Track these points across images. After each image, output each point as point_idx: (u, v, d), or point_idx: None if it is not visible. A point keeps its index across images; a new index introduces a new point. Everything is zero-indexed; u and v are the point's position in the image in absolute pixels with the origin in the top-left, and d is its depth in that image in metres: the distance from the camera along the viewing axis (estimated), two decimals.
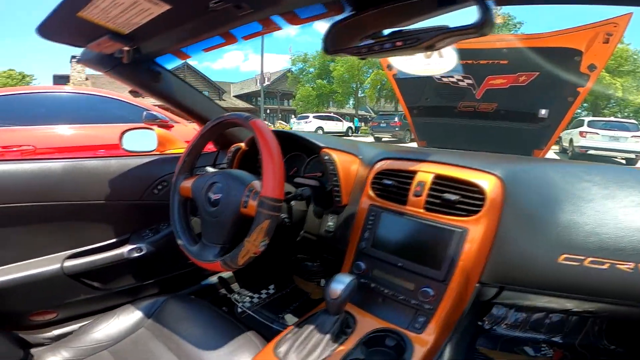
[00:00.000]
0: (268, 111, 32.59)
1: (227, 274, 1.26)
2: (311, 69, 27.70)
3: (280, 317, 1.15)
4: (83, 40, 0.72)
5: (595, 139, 8.91)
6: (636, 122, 10.41)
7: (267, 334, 0.72)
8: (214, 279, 1.24)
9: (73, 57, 32.31)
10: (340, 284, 0.59)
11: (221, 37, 0.71)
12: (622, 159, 8.96)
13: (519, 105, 1.78)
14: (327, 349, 0.60)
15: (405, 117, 15.25)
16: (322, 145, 0.88)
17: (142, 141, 1.06)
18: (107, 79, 32.41)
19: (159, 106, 2.71)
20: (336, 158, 0.84)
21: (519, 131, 1.84)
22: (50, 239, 0.92)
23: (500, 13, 24.25)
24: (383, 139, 13.71)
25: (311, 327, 0.63)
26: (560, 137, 13.37)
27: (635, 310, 0.58)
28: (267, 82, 25.97)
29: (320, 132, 17.14)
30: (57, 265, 0.91)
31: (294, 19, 0.59)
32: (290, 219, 0.83)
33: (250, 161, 1.03)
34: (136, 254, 0.99)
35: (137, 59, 0.79)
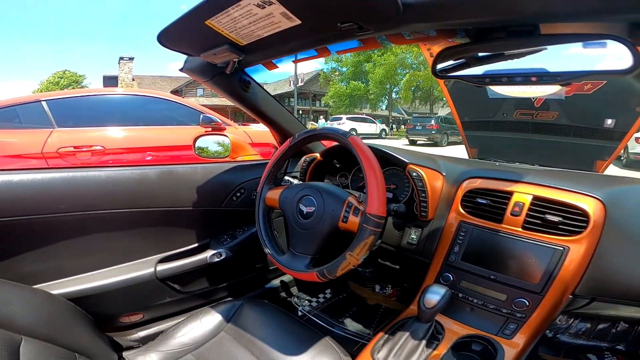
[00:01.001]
0: (300, 112, 33.00)
1: (288, 278, 1.30)
2: (344, 69, 27.60)
3: (340, 321, 1.17)
4: (199, 49, 0.72)
5: None
6: None
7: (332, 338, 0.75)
8: (276, 282, 1.28)
9: (121, 58, 34.55)
10: (436, 295, 0.62)
11: (316, 50, 0.72)
12: None
13: (584, 114, 1.68)
14: (422, 355, 0.64)
15: (442, 120, 14.71)
16: (407, 161, 0.90)
17: (216, 147, 1.12)
18: (150, 80, 34.09)
19: (205, 106, 2.86)
20: (424, 175, 0.86)
21: (582, 141, 1.74)
22: (143, 243, 0.98)
23: None
24: (418, 142, 13.40)
25: (405, 334, 0.66)
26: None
27: None
28: (300, 84, 26.25)
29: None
30: (151, 269, 0.97)
31: (399, 40, 0.60)
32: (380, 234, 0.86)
33: (323, 171, 1.05)
34: (217, 259, 1.04)
35: (236, 69, 0.82)
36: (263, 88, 1.03)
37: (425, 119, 14.83)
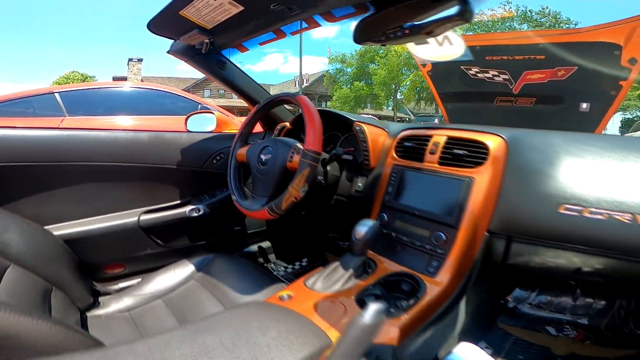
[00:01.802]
0: None
1: (266, 245, 1.39)
2: (348, 69, 27.70)
3: None
4: (178, 34, 0.91)
5: None
6: None
7: None
8: (254, 247, 1.38)
9: (130, 59, 35.06)
10: (364, 227, 0.69)
11: (274, 33, 0.87)
12: None
13: (559, 99, 1.77)
14: (348, 283, 0.70)
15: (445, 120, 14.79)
16: (354, 119, 1.01)
17: (204, 123, 1.26)
18: (159, 82, 34.56)
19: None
20: (366, 129, 0.97)
21: (559, 125, 1.83)
22: (132, 196, 1.09)
23: (509, 8, 22.63)
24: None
25: (337, 264, 0.73)
26: None
27: None
28: (305, 84, 26.42)
29: None
30: (135, 219, 1.07)
31: (330, 18, 0.73)
32: (325, 181, 0.95)
33: (294, 137, 1.18)
34: (195, 214, 1.15)
35: (210, 50, 0.97)
36: (237, 67, 1.15)
37: (428, 119, 14.89)
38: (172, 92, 2.80)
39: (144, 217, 1.09)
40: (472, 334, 0.77)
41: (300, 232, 1.36)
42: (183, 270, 0.95)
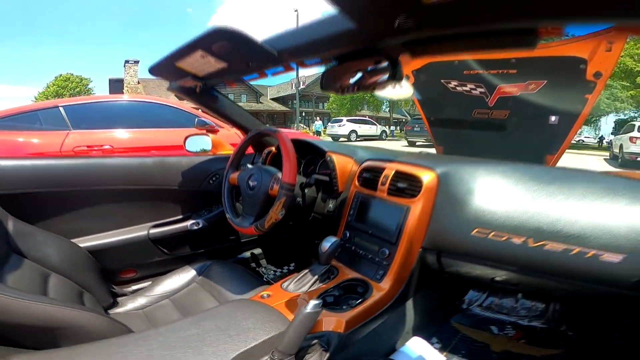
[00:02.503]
0: (303, 114, 33.26)
1: (257, 251, 1.54)
2: None
3: None
4: (175, 78, 1.06)
5: None
6: None
7: None
8: (247, 254, 1.53)
9: (127, 61, 34.91)
10: (328, 242, 0.84)
11: (257, 73, 0.99)
12: None
13: (530, 112, 1.89)
14: (314, 285, 0.86)
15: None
16: (326, 149, 1.16)
17: (200, 144, 1.40)
18: (156, 83, 34.26)
19: (203, 111, 3.09)
20: (335, 158, 1.12)
21: (531, 137, 1.96)
22: (140, 213, 1.25)
23: None
24: (417, 143, 13.54)
25: (307, 271, 0.89)
26: (610, 143, 12.41)
27: (548, 285, 0.77)
28: (302, 86, 26.54)
29: (354, 135, 17.27)
30: (145, 232, 1.23)
31: (303, 65, 0.87)
32: (303, 202, 1.10)
33: (278, 161, 1.31)
34: (195, 227, 1.31)
35: (204, 89, 1.13)
36: (229, 99, 1.30)
37: (422, 122, 15.04)
38: (170, 104, 2.93)
39: (152, 231, 1.25)
40: (425, 330, 0.92)
41: (287, 240, 1.50)
42: (186, 275, 1.11)
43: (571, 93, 1.72)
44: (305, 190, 1.10)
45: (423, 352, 0.85)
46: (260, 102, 37.01)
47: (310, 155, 1.29)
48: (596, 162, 10.81)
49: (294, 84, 25.79)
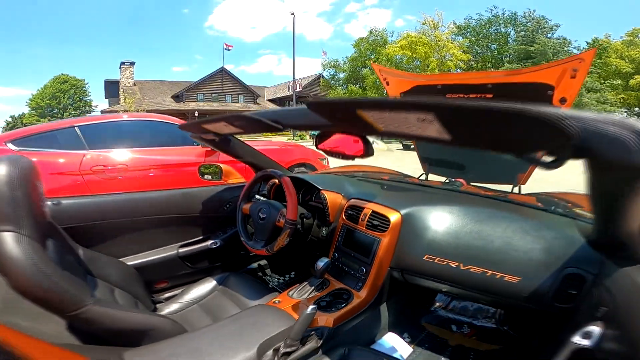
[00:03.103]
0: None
1: (263, 262, 1.81)
2: (341, 74, 28.19)
3: None
4: (199, 132, 1.32)
5: None
6: None
7: None
8: (254, 265, 1.79)
9: (122, 63, 34.98)
10: (322, 262, 1.12)
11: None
12: None
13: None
14: (312, 294, 1.15)
15: None
16: (320, 188, 1.42)
17: (213, 172, 1.64)
18: (152, 85, 34.05)
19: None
20: (327, 196, 1.39)
21: (505, 157, 2.16)
22: (170, 236, 1.52)
23: (496, 12, 22.88)
24: (411, 147, 13.78)
25: (306, 283, 1.18)
26: None
27: (475, 295, 1.03)
28: (298, 89, 26.75)
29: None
30: (175, 251, 1.50)
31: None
32: (302, 228, 1.35)
33: (281, 192, 1.53)
34: (213, 246, 1.58)
35: (221, 139, 1.40)
36: (241, 142, 1.55)
37: None
38: (176, 122, 3.08)
39: (180, 250, 1.53)
40: (399, 327, 1.18)
41: (288, 254, 1.74)
42: (209, 284, 1.37)
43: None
44: (304, 220, 1.36)
45: (395, 343, 1.13)
46: (257, 103, 37.12)
47: (307, 187, 1.54)
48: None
49: (290, 87, 25.99)
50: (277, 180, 1.53)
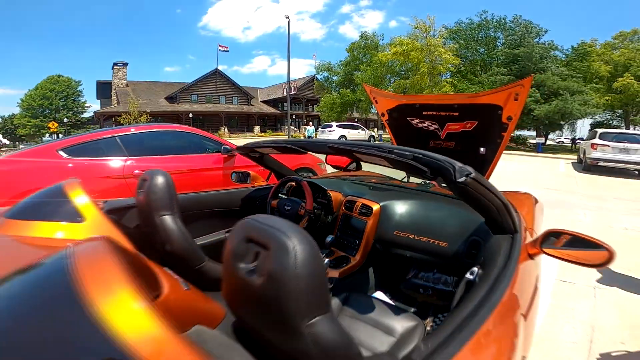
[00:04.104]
0: (294, 116, 33.83)
1: None
2: (334, 77, 28.67)
3: None
4: (248, 151, 1.84)
5: (605, 151, 9.09)
6: None
7: None
8: None
9: (115, 63, 34.85)
10: (329, 238, 1.53)
11: None
12: (636, 170, 9.07)
13: (467, 144, 2.62)
14: (324, 260, 1.56)
15: None
16: (326, 188, 1.84)
17: (243, 177, 2.10)
18: (145, 86, 33.69)
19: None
20: (331, 195, 1.82)
21: (469, 162, 2.69)
22: (221, 223, 1.87)
23: (485, 16, 23.67)
24: None
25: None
26: (578, 148, 13.41)
27: (424, 257, 1.50)
28: (293, 92, 27.13)
29: (343, 140, 18.00)
30: (223, 235, 1.86)
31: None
32: (315, 216, 1.75)
33: (297, 191, 1.99)
34: None
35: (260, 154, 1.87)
36: (271, 157, 1.98)
37: None
38: (200, 134, 3.53)
39: (226, 234, 1.90)
40: (383, 289, 1.64)
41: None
42: None
43: (493, 131, 2.44)
44: (315, 211, 1.79)
45: (381, 297, 1.58)
46: (252, 105, 37.25)
47: (317, 188, 1.99)
48: (564, 165, 11.81)
49: (284, 90, 26.31)
50: (294, 183, 1.99)
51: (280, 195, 1.87)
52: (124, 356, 0.39)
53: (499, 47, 23.96)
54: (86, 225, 0.94)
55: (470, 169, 0.97)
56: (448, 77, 23.45)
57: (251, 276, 0.61)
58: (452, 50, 21.77)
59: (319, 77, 32.41)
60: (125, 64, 35.66)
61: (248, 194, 2.03)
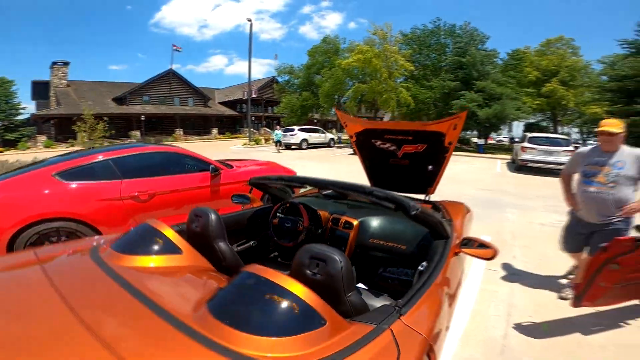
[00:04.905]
0: (253, 118, 33.55)
1: (276, 253, 2.56)
2: (296, 80, 29.00)
3: None
4: (257, 181, 2.41)
5: (533, 153, 10.51)
6: (567, 138, 12.17)
7: None
8: (272, 255, 2.60)
9: (54, 63, 32.02)
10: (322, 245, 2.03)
11: None
12: (557, 169, 10.62)
13: (419, 162, 3.23)
14: None
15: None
16: (316, 208, 2.28)
17: (243, 199, 2.47)
18: (88, 87, 31.28)
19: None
20: (320, 213, 2.26)
21: (420, 177, 3.31)
22: (233, 239, 2.15)
23: (438, 23, 25.90)
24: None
25: None
26: (512, 149, 15.14)
27: (392, 257, 2.04)
28: (254, 95, 27.01)
29: (305, 144, 18.49)
30: (235, 249, 2.16)
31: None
32: (308, 230, 2.16)
33: (291, 209, 2.39)
34: (254, 244, 2.33)
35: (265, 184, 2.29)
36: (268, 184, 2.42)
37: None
38: (188, 154, 3.71)
39: (237, 247, 2.25)
40: (363, 282, 2.13)
41: (299, 245, 2.65)
42: None
43: (438, 152, 3.07)
44: (310, 226, 2.22)
45: (362, 287, 2.07)
46: (209, 106, 36.19)
47: (308, 208, 2.43)
48: (500, 165, 13.30)
49: (245, 93, 26.14)
50: (288, 204, 2.41)
51: (278, 214, 2.30)
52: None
53: (448, 54, 25.70)
54: (184, 255, 1.30)
55: (417, 205, 1.53)
56: (403, 80, 24.79)
57: (315, 276, 1.10)
58: (406, 56, 23.03)
59: (279, 79, 32.51)
60: (66, 63, 32.89)
61: (251, 214, 2.42)
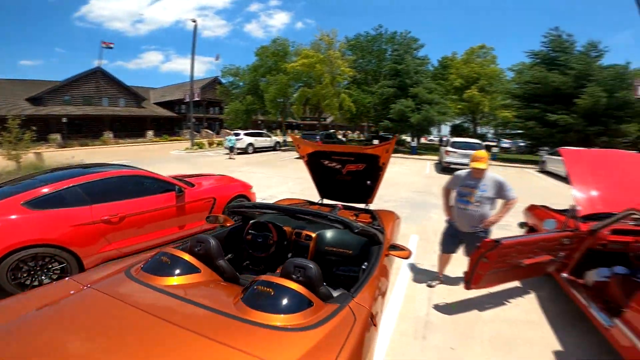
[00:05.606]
0: (193, 119, 32.14)
1: (247, 262, 3.08)
2: (241, 83, 28.42)
3: None
4: (239, 209, 3.03)
5: (454, 156, 12.24)
6: (480, 142, 14.07)
7: None
8: (245, 263, 3.08)
9: None
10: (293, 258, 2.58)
11: None
12: None
13: (359, 178, 3.90)
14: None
15: (326, 136, 17.92)
16: (281, 225, 2.73)
17: (218, 219, 2.87)
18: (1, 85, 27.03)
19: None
20: (286, 229, 2.74)
21: (361, 189, 3.98)
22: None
23: (380, 30, 27.76)
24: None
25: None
26: (440, 152, 17.09)
27: (342, 259, 2.66)
28: (196, 98, 26.02)
29: (251, 148, 18.52)
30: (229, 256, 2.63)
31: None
32: (277, 244, 2.63)
33: (259, 226, 2.78)
34: (231, 257, 2.71)
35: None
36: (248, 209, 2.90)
37: (311, 137, 17.80)
38: (151, 176, 3.80)
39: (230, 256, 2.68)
40: (325, 280, 2.72)
41: (270, 255, 3.10)
42: None
43: (374, 171, 3.76)
44: (278, 240, 2.69)
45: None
46: (143, 107, 33.58)
47: (276, 225, 2.86)
48: (429, 166, 14.86)
49: (186, 96, 25.08)
50: (256, 221, 2.85)
51: (250, 232, 2.78)
52: None
53: (387, 60, 27.10)
54: (202, 273, 1.71)
55: (359, 225, 2.17)
56: (346, 85, 25.83)
57: (299, 278, 1.66)
58: (349, 62, 24.08)
59: (223, 80, 31.58)
60: None
61: (227, 234, 2.79)
